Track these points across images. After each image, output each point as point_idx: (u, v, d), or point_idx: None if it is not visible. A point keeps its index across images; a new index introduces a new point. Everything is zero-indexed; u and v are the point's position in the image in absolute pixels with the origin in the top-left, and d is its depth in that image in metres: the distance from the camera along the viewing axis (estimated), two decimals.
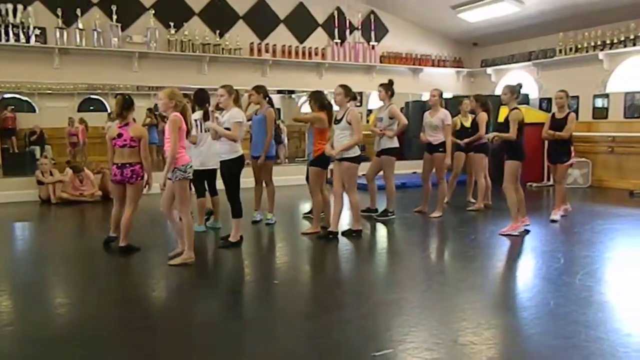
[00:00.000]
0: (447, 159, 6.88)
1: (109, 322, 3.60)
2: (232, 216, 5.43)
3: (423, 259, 5.36)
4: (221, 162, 5.40)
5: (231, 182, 5.39)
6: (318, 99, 5.98)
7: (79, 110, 13.40)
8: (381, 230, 6.59)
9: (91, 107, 13.67)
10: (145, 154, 5.20)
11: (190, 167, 4.80)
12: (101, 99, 13.60)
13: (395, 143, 6.80)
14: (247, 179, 6.04)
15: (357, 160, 5.77)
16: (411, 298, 4.03)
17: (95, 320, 3.62)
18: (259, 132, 6.47)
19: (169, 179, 4.74)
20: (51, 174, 8.73)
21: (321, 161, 5.89)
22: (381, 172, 6.95)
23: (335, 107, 5.92)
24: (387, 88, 6.79)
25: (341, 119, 5.71)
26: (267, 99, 6.60)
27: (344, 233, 5.90)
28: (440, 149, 6.84)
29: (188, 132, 4.80)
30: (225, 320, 3.70)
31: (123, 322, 3.61)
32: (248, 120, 6.66)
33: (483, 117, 7.42)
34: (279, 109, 18.29)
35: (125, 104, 5.29)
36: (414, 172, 10.58)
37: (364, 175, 7.22)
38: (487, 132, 7.31)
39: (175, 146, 4.61)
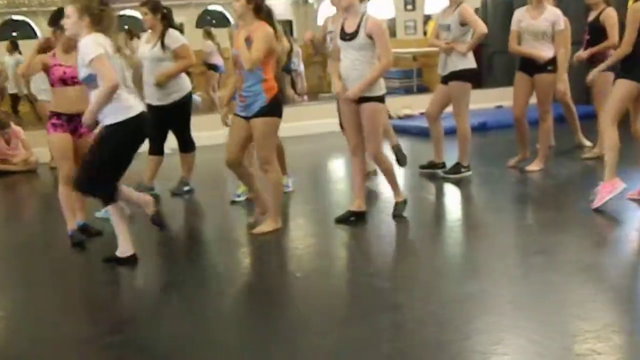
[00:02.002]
0: (561, 82, 6.79)
1: (61, 338, 3.70)
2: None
3: (516, 234, 5.36)
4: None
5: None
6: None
7: None
8: (452, 194, 6.61)
9: (14, 33, 13.87)
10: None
11: None
12: (28, 20, 13.76)
13: (471, 62, 6.68)
14: None
15: (383, 99, 5.55)
16: (500, 291, 4.04)
17: (43, 335, 3.73)
18: None
19: None
20: None
21: (278, 107, 5.37)
22: (449, 108, 6.89)
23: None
24: None
25: (355, 32, 5.27)
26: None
27: (393, 212, 5.75)
28: (549, 67, 6.70)
29: None
30: (234, 323, 3.79)
31: (83, 337, 3.71)
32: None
33: (612, 15, 7.17)
34: (290, 22, 18.26)
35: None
36: (499, 106, 10.48)
37: (423, 114, 7.17)
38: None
39: None
